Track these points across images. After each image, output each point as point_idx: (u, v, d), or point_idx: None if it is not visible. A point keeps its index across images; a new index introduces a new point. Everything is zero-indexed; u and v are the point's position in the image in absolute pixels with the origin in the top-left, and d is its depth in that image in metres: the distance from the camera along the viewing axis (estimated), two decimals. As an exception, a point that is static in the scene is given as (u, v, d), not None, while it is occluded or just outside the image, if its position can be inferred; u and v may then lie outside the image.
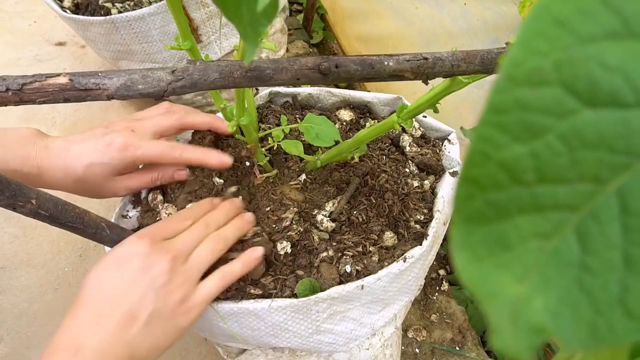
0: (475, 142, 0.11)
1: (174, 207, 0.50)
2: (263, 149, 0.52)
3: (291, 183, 0.53)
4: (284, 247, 0.47)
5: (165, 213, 0.49)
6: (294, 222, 0.49)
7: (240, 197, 0.51)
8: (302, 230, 0.49)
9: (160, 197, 0.52)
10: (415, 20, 0.90)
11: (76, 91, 0.23)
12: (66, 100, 0.23)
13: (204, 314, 0.43)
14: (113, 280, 0.38)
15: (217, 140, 0.57)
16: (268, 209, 0.51)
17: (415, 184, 0.54)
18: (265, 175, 0.53)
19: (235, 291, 0.44)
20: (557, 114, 0.11)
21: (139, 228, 0.51)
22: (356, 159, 0.53)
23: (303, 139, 0.54)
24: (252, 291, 0.44)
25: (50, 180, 0.46)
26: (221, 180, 0.52)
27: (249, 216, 0.48)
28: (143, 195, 0.54)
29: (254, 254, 0.44)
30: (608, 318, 0.11)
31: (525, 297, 0.11)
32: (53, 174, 0.45)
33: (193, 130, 0.57)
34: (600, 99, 0.11)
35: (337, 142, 0.48)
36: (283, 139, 0.51)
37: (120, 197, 0.53)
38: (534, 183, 0.11)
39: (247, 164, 0.54)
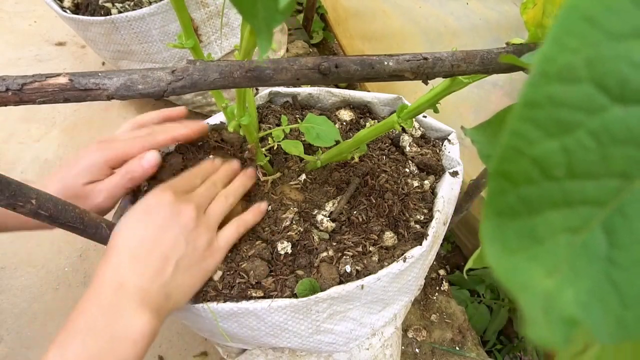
0: (509, 137, 0.11)
1: None
2: (263, 149, 0.52)
3: (291, 183, 0.53)
4: (284, 247, 0.47)
5: None
6: (294, 222, 0.49)
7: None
8: (302, 230, 0.49)
9: None
10: (419, 19, 0.91)
11: (76, 91, 0.23)
12: (66, 100, 0.23)
13: (205, 313, 0.43)
14: (145, 227, 0.41)
15: (222, 141, 0.57)
16: (268, 208, 0.51)
17: (415, 184, 0.54)
18: (270, 178, 0.52)
19: (237, 293, 0.44)
20: (587, 110, 0.11)
21: None
22: (356, 159, 0.53)
23: (303, 139, 0.54)
24: (254, 294, 0.44)
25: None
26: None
27: (250, 171, 0.52)
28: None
29: (261, 207, 0.49)
30: (635, 312, 0.11)
31: (556, 290, 0.12)
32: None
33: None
34: (630, 96, 0.11)
35: (337, 142, 0.48)
36: (283, 139, 0.51)
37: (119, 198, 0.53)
38: (564, 178, 0.11)
39: (249, 164, 0.54)
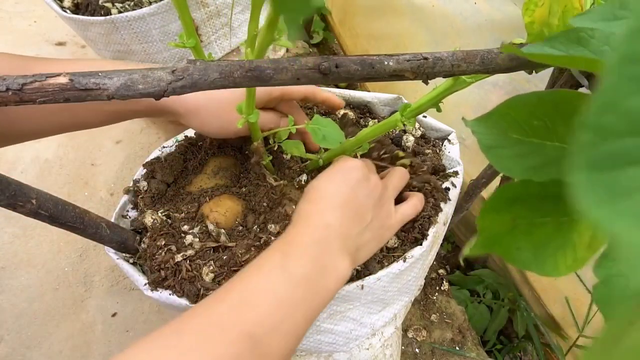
0: (603, 89, 0.12)
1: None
2: (265, 149, 0.52)
3: (292, 183, 0.53)
4: None
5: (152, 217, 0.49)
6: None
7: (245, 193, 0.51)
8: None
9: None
10: (428, 18, 0.91)
11: (76, 91, 0.23)
12: (66, 100, 0.23)
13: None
14: (341, 183, 0.42)
15: (225, 142, 0.58)
16: (269, 208, 0.51)
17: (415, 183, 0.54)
18: (281, 182, 0.52)
19: None
20: None
21: (137, 229, 0.51)
22: (358, 158, 0.53)
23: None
24: None
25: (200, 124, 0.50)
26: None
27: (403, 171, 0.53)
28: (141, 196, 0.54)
29: (422, 198, 0.50)
30: None
31: None
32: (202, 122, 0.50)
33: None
34: None
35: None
36: (285, 140, 0.51)
37: (120, 197, 0.53)
38: None
39: (255, 165, 0.54)
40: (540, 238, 0.25)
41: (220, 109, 0.50)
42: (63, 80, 0.23)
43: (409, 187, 0.53)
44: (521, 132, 0.25)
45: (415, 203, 0.48)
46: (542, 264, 0.25)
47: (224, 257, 0.46)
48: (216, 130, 0.51)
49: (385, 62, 0.29)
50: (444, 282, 0.92)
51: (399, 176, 0.49)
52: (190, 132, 0.61)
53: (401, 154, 0.56)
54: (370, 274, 0.44)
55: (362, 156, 0.54)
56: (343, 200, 0.41)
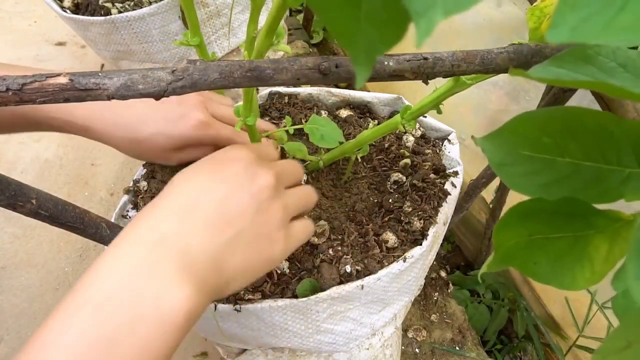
0: None
1: None
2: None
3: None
4: (282, 266, 0.46)
5: None
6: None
7: None
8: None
9: None
10: None
11: (76, 91, 0.23)
12: (66, 100, 0.23)
13: (205, 313, 0.43)
14: (210, 178, 0.33)
15: None
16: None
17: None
18: None
19: (235, 296, 0.44)
20: None
21: None
22: (358, 159, 0.53)
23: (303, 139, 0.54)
24: (251, 297, 0.44)
25: (99, 133, 0.42)
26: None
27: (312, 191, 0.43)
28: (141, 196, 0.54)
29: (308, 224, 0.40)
30: None
31: None
32: (104, 128, 0.41)
33: None
34: None
35: (340, 143, 0.48)
36: (287, 142, 0.51)
37: (120, 197, 0.53)
38: None
39: None
40: (557, 252, 0.25)
41: (129, 113, 0.41)
42: (63, 80, 0.23)
43: (410, 187, 0.53)
44: (531, 148, 0.24)
45: (308, 224, 0.39)
46: (559, 277, 0.25)
47: None
48: (126, 143, 0.43)
49: (385, 62, 0.29)
50: (450, 284, 0.92)
51: (290, 171, 0.39)
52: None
53: (407, 153, 0.56)
54: (370, 274, 0.45)
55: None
56: (204, 203, 0.31)
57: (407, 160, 0.55)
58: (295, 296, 0.44)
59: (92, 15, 0.83)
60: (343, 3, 0.16)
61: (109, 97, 0.24)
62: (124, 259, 0.28)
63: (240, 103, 0.51)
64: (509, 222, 0.25)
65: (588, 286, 0.25)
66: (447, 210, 0.51)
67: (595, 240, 0.24)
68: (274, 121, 0.59)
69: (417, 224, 0.49)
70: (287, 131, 0.50)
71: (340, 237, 0.49)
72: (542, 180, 0.24)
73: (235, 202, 0.32)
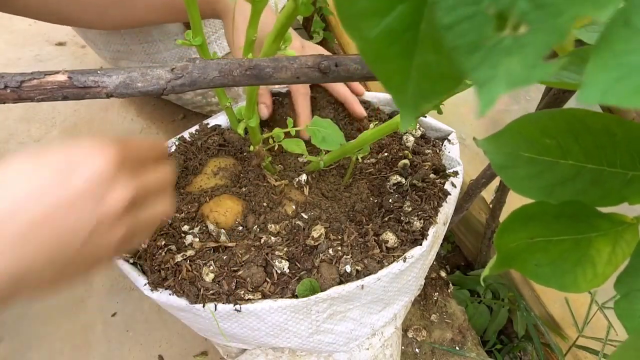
0: None
1: None
2: (265, 150, 0.52)
3: (292, 183, 0.53)
4: (281, 265, 0.46)
5: None
6: (294, 222, 0.49)
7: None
8: (302, 227, 0.49)
9: None
10: None
11: (75, 89, 0.23)
12: (65, 98, 0.23)
13: (205, 313, 0.43)
14: (37, 180, 0.27)
15: (225, 142, 0.57)
16: (269, 208, 0.51)
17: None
18: (282, 182, 0.52)
19: (236, 296, 0.44)
20: None
21: None
22: (359, 160, 0.53)
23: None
24: (251, 297, 0.44)
25: None
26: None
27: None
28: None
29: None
30: None
31: None
32: None
33: (195, 131, 0.58)
34: None
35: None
36: (284, 139, 0.51)
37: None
38: None
39: (255, 166, 0.54)
40: (558, 254, 0.25)
41: None
42: (62, 78, 0.23)
43: (410, 187, 0.53)
44: (533, 150, 0.24)
45: (150, 226, 0.33)
46: (561, 279, 0.25)
47: (224, 257, 0.46)
48: None
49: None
50: (451, 285, 0.92)
51: (154, 186, 0.33)
52: (191, 132, 0.61)
53: (407, 153, 0.56)
54: (370, 274, 0.44)
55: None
56: (15, 215, 0.25)
57: (406, 161, 0.55)
58: (295, 296, 0.44)
59: (92, 15, 0.83)
60: (394, 56, 0.15)
61: (108, 95, 0.24)
62: None
63: (242, 104, 0.51)
64: (511, 225, 0.25)
65: (590, 289, 0.24)
66: (447, 210, 0.51)
67: (598, 242, 0.24)
68: (275, 123, 0.59)
69: (417, 224, 0.48)
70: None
71: (340, 237, 0.49)
72: (545, 182, 0.24)
73: (77, 215, 0.27)
